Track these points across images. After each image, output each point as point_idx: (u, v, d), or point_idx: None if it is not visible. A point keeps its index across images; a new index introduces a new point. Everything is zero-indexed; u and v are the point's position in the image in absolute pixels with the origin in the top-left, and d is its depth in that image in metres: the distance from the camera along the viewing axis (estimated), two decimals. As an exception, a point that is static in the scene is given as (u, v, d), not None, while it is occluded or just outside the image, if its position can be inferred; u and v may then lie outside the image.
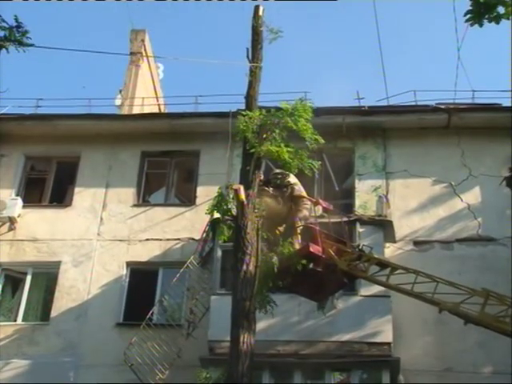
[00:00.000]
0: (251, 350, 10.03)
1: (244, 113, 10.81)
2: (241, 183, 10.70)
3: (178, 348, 13.79)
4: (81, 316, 15.14)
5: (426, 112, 16.48)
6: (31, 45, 8.89)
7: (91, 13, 39.06)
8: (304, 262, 11.12)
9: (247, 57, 11.48)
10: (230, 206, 10.71)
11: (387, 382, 13.24)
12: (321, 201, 13.06)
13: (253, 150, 10.60)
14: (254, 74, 11.39)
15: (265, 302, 10.91)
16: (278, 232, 11.67)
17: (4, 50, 8.88)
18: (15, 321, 15.48)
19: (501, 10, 8.60)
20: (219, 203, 10.82)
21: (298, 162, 10.79)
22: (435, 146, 16.33)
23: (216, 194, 11.13)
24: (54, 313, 15.27)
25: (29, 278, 15.92)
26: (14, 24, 8.98)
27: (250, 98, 11.27)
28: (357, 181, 16.19)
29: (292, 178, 12.16)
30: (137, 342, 13.87)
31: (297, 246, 11.50)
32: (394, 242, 15.13)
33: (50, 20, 36.68)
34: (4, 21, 8.90)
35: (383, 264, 11.61)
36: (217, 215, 12.30)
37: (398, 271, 11.38)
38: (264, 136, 10.69)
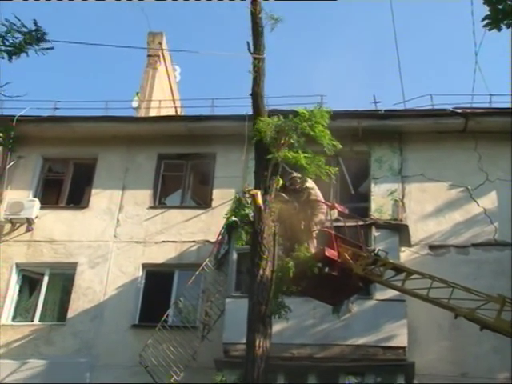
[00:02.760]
0: (267, 354, 10.06)
1: (262, 118, 10.81)
2: (255, 187, 10.73)
3: (193, 350, 13.86)
4: (97, 317, 15.25)
5: (443, 116, 16.43)
6: (51, 48, 8.96)
7: (109, 15, 39.30)
8: (319, 266, 11.15)
9: (249, 50, 10.91)
10: (247, 211, 10.77)
11: (402, 387, 13.26)
12: (337, 205, 13.05)
13: (270, 156, 10.62)
14: (257, 69, 10.85)
15: (279, 307, 10.93)
16: (294, 237, 11.69)
17: (24, 53, 8.97)
18: (32, 321, 15.61)
19: (519, 15, 8.58)
20: (237, 208, 10.87)
21: (316, 168, 10.82)
22: (452, 150, 16.29)
23: (233, 198, 11.20)
24: (70, 313, 15.40)
25: (46, 279, 16.06)
26: (33, 28, 9.06)
27: (256, 96, 10.94)
28: (373, 184, 16.19)
29: (309, 183, 12.18)
30: (152, 343, 13.96)
31: (312, 251, 11.52)
32: (410, 246, 15.12)
33: (66, 23, 36.91)
34: (24, 25, 8.99)
35: (399, 269, 11.58)
36: (233, 218, 12.38)
37: (413, 276, 11.37)
38: (282, 142, 10.72)
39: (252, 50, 10.87)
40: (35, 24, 9.06)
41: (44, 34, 9.01)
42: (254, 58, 10.78)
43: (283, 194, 11.81)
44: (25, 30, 8.81)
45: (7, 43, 8.42)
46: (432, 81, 35.02)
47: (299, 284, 11.03)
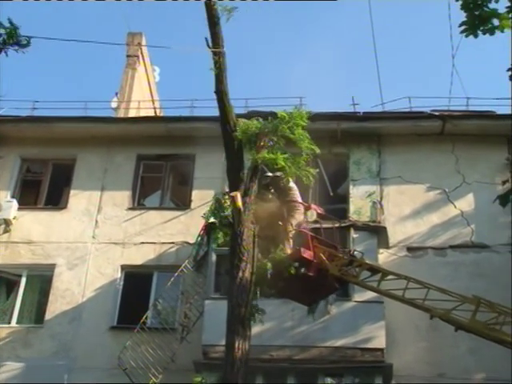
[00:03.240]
0: (246, 357, 10.06)
1: (241, 120, 10.82)
2: (230, 186, 10.71)
3: (172, 352, 13.84)
4: (75, 319, 15.17)
5: (421, 118, 16.57)
6: (28, 44, 8.89)
7: (88, 15, 39.08)
8: (296, 266, 11.20)
9: (208, 46, 10.43)
10: (226, 213, 10.77)
11: (380, 388, 13.34)
12: (313, 206, 13.15)
13: (250, 158, 10.64)
14: (218, 65, 10.42)
15: (254, 310, 10.95)
16: (270, 237, 11.74)
17: (3, 53, 8.89)
18: (9, 323, 15.50)
19: (495, 22, 8.67)
20: (216, 209, 10.87)
21: (296, 169, 10.85)
22: (429, 152, 16.43)
23: (212, 199, 11.19)
24: (48, 315, 15.30)
25: (23, 281, 15.95)
26: (8, 25, 8.98)
27: (220, 94, 10.55)
28: (351, 186, 16.27)
29: (291, 183, 12.24)
30: (131, 345, 13.93)
31: (288, 251, 11.57)
32: (388, 247, 15.23)
33: (46, 22, 36.67)
34: (1, 24, 8.91)
35: (374, 269, 11.67)
36: (212, 220, 12.39)
37: (389, 277, 11.46)
38: (261, 143, 10.74)
39: (211, 44, 10.47)
40: (10, 22, 8.98)
41: (16, 28, 8.92)
42: (214, 54, 10.51)
43: (266, 192, 11.85)
44: (3, 29, 8.73)
45: None
46: (410, 83, 35.26)
47: (275, 285, 11.07)
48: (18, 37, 8.90)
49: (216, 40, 10.48)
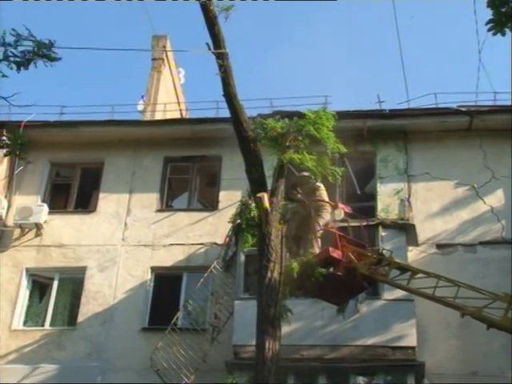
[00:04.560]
0: (277, 357, 10.11)
1: (266, 121, 10.86)
2: (251, 188, 10.71)
3: (204, 352, 13.92)
4: (107, 321, 15.33)
5: (448, 114, 16.45)
6: (59, 59, 9.00)
7: (113, 18, 39.39)
8: (324, 269, 11.22)
9: (209, 49, 10.20)
10: (253, 214, 10.82)
11: (412, 386, 13.29)
12: (340, 204, 13.16)
13: (278, 158, 10.68)
14: (223, 68, 10.20)
15: (282, 310, 10.99)
16: (298, 237, 11.77)
17: (32, 63, 9.02)
18: (43, 326, 15.71)
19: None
20: (242, 212, 10.92)
21: (322, 169, 10.87)
22: (457, 148, 16.31)
23: (239, 200, 11.25)
24: (80, 318, 15.48)
25: (56, 284, 16.15)
26: (41, 38, 9.09)
27: (229, 97, 10.42)
28: (378, 184, 16.22)
29: (319, 182, 12.27)
30: (162, 346, 14.02)
31: (317, 251, 11.59)
32: (417, 245, 15.15)
33: (71, 26, 37.03)
34: (32, 35, 9.03)
35: (404, 268, 11.64)
36: (238, 221, 12.47)
37: (419, 275, 11.42)
38: (287, 144, 10.77)
39: (212, 47, 10.27)
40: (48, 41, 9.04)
41: (52, 43, 9.02)
42: (217, 57, 10.26)
43: (295, 192, 11.89)
44: (33, 40, 8.83)
45: (15, 53, 8.47)
46: (436, 79, 35.01)
47: (303, 285, 11.10)
48: (48, 51, 9.00)
49: (217, 42, 10.27)
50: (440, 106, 16.89)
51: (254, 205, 11.18)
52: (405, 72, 21.18)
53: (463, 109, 16.42)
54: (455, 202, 15.88)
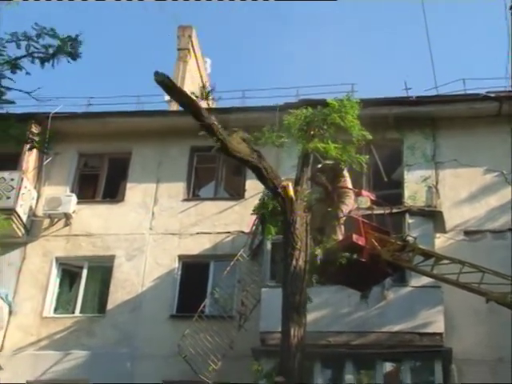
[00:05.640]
0: (302, 343, 10.18)
1: (291, 110, 10.91)
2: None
3: (230, 339, 14.02)
4: (135, 308, 15.52)
5: (476, 100, 16.31)
6: (79, 57, 9.09)
7: (138, 11, 39.56)
8: (347, 254, 11.24)
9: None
10: (275, 204, 10.87)
11: (439, 372, 13.26)
12: (364, 192, 13.16)
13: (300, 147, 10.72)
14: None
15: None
16: (322, 224, 11.79)
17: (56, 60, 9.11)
18: (73, 313, 15.98)
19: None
20: (265, 203, 10.98)
21: (347, 157, 10.88)
22: (486, 134, 16.16)
23: (264, 190, 11.31)
24: (109, 305, 15.70)
25: (85, 272, 16.40)
26: (65, 34, 9.18)
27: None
28: (406, 171, 16.15)
29: (344, 170, 12.28)
30: (190, 333, 14.16)
31: (340, 237, 11.61)
32: (445, 232, 15.08)
33: (97, 19, 37.28)
34: (54, 31, 9.12)
35: (428, 254, 11.63)
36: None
37: (444, 261, 11.39)
38: (312, 133, 10.79)
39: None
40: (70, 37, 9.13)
41: (77, 41, 9.11)
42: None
43: (321, 175, 11.90)
44: (57, 35, 8.92)
45: (38, 47, 8.58)
46: (465, 65, 34.63)
47: (327, 271, 11.12)
48: (72, 48, 9.09)
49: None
50: (469, 92, 16.74)
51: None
52: (433, 58, 21.05)
53: (492, 94, 16.25)
54: (483, 189, 15.76)
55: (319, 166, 12.20)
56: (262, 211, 12.16)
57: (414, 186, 15.88)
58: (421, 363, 13.66)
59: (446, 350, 13.48)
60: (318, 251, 10.83)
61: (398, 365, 13.68)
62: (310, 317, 11.41)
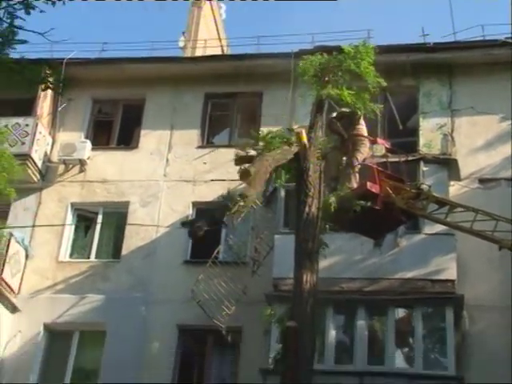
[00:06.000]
0: (314, 289, 10.30)
1: (305, 56, 10.80)
2: None
3: (244, 285, 14.15)
4: (150, 254, 15.65)
5: (494, 47, 16.03)
6: None
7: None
8: (361, 202, 11.26)
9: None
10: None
11: (451, 318, 13.38)
12: (380, 140, 13.08)
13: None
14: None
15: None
16: (336, 172, 11.78)
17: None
18: (88, 258, 16.15)
19: None
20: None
21: (361, 104, 10.81)
22: (503, 81, 15.90)
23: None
24: (124, 251, 15.84)
25: (100, 218, 16.53)
26: None
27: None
28: (421, 119, 16.03)
29: (360, 118, 12.20)
30: (203, 279, 14.29)
31: (355, 185, 11.60)
32: (459, 180, 15.02)
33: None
34: None
35: (442, 202, 11.61)
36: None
37: (457, 209, 11.39)
38: (326, 79, 10.70)
39: None
40: None
41: None
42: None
43: (336, 122, 11.85)
44: None
45: None
46: (483, 11, 33.88)
47: (341, 219, 11.15)
48: None
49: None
50: (487, 38, 16.45)
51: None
52: (451, 4, 20.62)
53: (510, 40, 15.95)
54: (499, 137, 15.63)
55: (335, 113, 12.14)
56: None
57: (430, 133, 15.77)
58: (432, 309, 13.77)
59: (457, 296, 13.56)
60: (332, 199, 10.83)
61: (410, 311, 13.81)
62: (323, 263, 11.53)
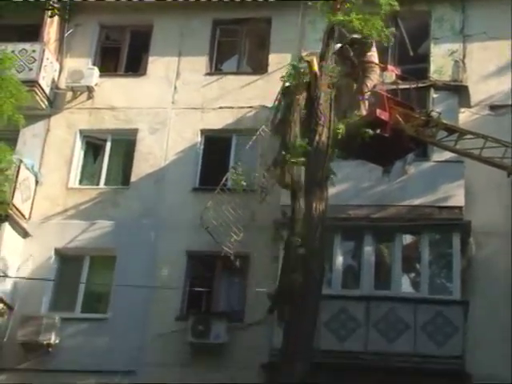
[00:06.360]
0: (323, 216, 10.42)
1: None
2: None
3: (252, 212, 14.25)
4: (159, 181, 15.70)
5: (509, -30, 15.61)
6: None
7: None
8: (371, 128, 11.24)
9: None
10: (303, 79, 10.78)
11: (457, 244, 13.51)
12: (390, 66, 12.96)
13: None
14: None
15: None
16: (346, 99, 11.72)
17: None
18: (98, 185, 16.21)
19: None
20: (296, 73, 10.90)
21: (372, 30, 10.66)
22: (517, 6, 15.58)
23: (288, 63, 11.21)
24: (133, 178, 15.89)
25: (108, 145, 16.51)
26: None
27: None
28: (432, 45, 15.79)
29: (372, 45, 12.06)
30: (212, 205, 14.38)
31: (364, 113, 11.55)
32: (469, 107, 14.91)
33: None
34: None
35: (451, 129, 11.58)
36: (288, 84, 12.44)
37: (466, 136, 11.35)
38: (337, 6, 10.53)
39: None
40: None
41: None
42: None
43: (349, 49, 11.72)
44: None
45: None
46: None
47: (349, 146, 11.15)
48: None
49: None
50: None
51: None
52: None
53: (526, -37, 15.53)
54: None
55: (346, 41, 11.99)
56: (287, 84, 12.07)
57: (441, 59, 15.56)
58: (440, 236, 13.89)
59: (464, 222, 13.66)
60: (341, 126, 10.81)
61: (417, 237, 13.94)
62: (332, 191, 11.59)
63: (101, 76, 16.78)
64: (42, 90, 16.35)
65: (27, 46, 16.53)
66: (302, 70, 11.31)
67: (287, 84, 12.27)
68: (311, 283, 10.23)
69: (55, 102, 16.73)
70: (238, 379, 13.14)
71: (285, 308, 10.49)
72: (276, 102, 14.98)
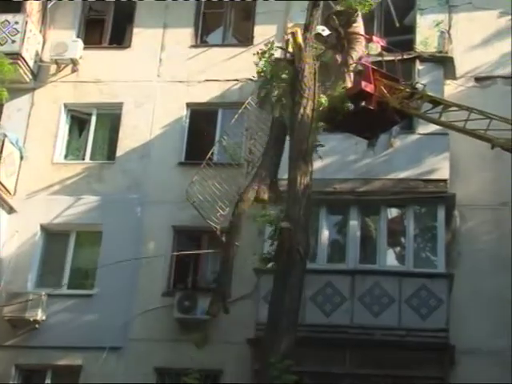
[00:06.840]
0: (308, 191, 10.41)
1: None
2: None
3: (238, 186, 14.20)
4: (144, 155, 15.63)
5: None
6: None
7: None
8: (356, 100, 11.20)
9: None
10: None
11: (442, 217, 13.56)
12: (375, 38, 12.86)
13: None
14: None
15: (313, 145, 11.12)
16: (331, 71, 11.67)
17: None
18: (83, 159, 16.12)
19: None
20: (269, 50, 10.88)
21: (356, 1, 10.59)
22: (503, -26, 15.46)
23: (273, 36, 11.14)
24: (119, 152, 15.80)
25: (94, 119, 16.37)
26: None
27: None
28: (418, 16, 15.65)
29: (357, 17, 11.97)
30: (198, 180, 14.35)
31: (349, 85, 11.49)
32: (455, 79, 14.90)
33: None
34: None
35: (436, 101, 11.54)
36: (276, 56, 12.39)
37: (451, 108, 11.34)
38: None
39: None
40: None
41: None
42: None
43: (335, 20, 11.64)
44: None
45: None
46: None
47: (334, 119, 11.11)
48: None
49: None
50: None
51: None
52: None
53: None
54: (498, 33, 15.36)
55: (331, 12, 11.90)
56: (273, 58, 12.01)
57: (427, 31, 15.45)
58: (425, 209, 13.95)
59: (449, 195, 13.70)
60: (325, 99, 10.77)
61: (402, 210, 13.99)
62: (317, 164, 11.59)
63: (85, 48, 16.58)
64: (26, 62, 16.18)
65: (9, 17, 16.33)
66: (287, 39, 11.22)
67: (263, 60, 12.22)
68: (296, 257, 10.26)
69: (39, 75, 16.56)
70: (225, 354, 13.27)
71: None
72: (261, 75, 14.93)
